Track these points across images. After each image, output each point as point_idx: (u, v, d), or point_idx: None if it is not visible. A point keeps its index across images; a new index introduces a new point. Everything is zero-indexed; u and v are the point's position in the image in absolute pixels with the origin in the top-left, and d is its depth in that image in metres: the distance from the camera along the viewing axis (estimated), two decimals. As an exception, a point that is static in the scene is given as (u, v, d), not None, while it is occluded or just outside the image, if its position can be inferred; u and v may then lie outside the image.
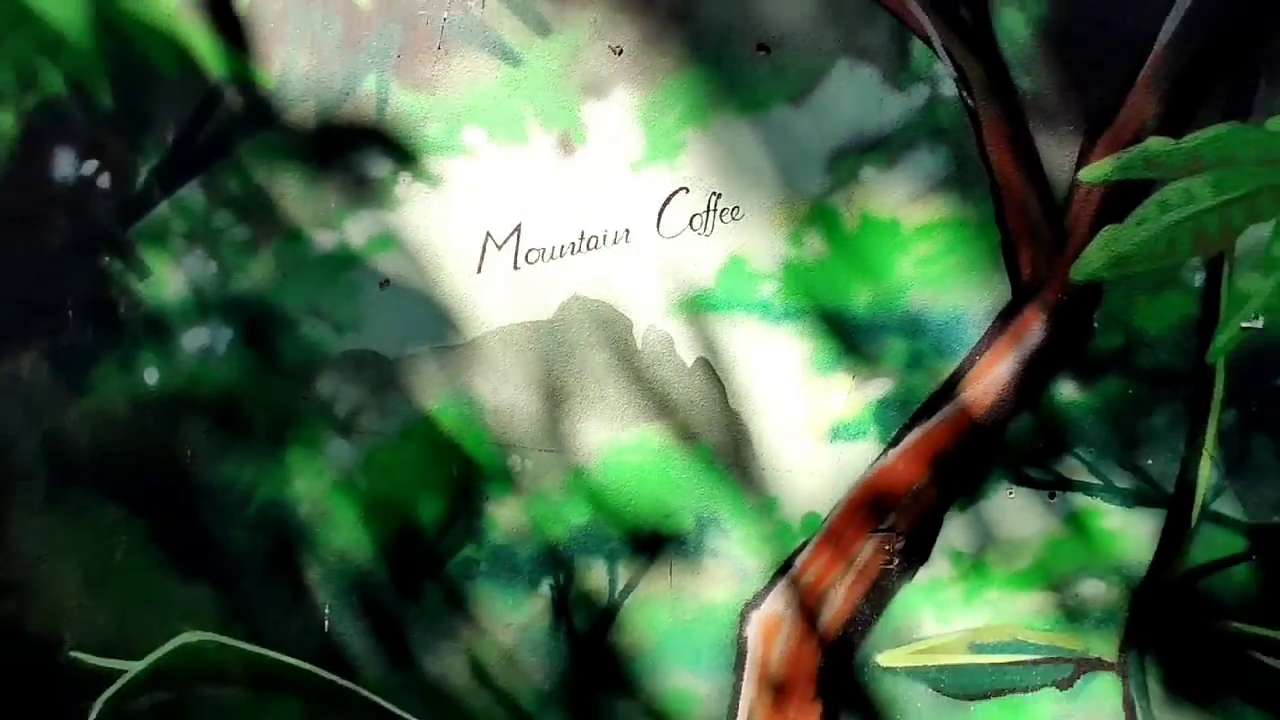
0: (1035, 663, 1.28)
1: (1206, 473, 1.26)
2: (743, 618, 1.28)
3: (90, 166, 1.27)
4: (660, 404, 1.27)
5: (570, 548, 1.27)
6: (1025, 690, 1.28)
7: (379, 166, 1.26)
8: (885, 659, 1.28)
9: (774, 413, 1.26)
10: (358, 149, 1.26)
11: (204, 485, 1.28)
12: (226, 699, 1.31)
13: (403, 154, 1.26)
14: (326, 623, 1.29)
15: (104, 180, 1.27)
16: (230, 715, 1.30)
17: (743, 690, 1.28)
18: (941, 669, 1.28)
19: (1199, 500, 1.26)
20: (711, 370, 1.27)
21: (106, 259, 1.27)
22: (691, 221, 1.26)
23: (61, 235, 1.28)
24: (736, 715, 1.28)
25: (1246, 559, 1.26)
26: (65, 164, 1.27)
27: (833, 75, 1.23)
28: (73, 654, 1.30)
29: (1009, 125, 1.24)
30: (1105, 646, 1.27)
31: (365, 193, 1.26)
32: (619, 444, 1.26)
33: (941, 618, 1.27)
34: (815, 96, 1.23)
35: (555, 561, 1.27)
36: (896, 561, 1.27)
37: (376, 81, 1.25)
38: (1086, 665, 1.28)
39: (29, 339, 1.28)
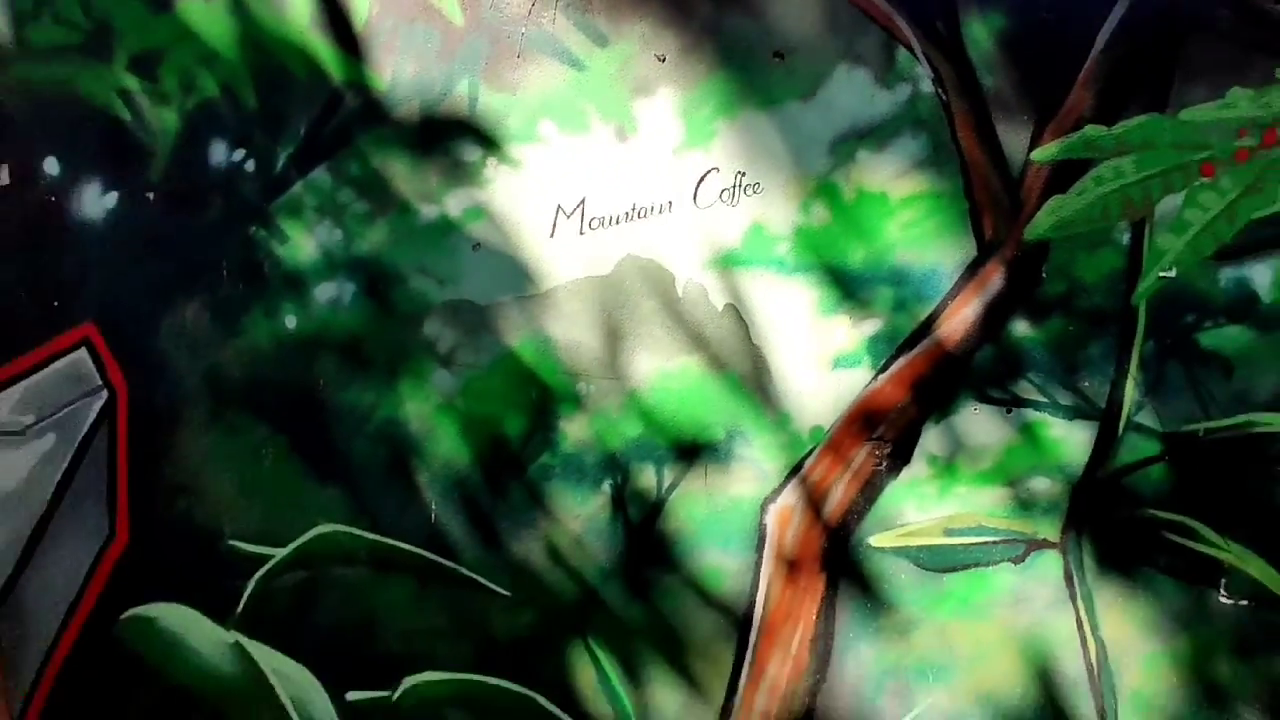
0: (994, 543, 1.61)
1: (1130, 392, 1.58)
2: (763, 509, 1.61)
3: (239, 154, 1.58)
4: (697, 341, 1.58)
5: (626, 455, 1.60)
6: (986, 565, 1.61)
7: (471, 153, 1.57)
8: (875, 541, 1.61)
9: (787, 347, 1.58)
10: (453, 139, 1.57)
11: (334, 408, 1.61)
12: (353, 577, 1.64)
13: (489, 142, 1.57)
14: (433, 515, 1.62)
15: (250, 165, 1.58)
16: (356, 591, 1.64)
17: (763, 566, 1.61)
18: (920, 548, 1.61)
19: (1124, 414, 1.58)
20: (737, 314, 1.59)
21: (253, 228, 1.58)
22: (721, 195, 1.57)
23: (216, 210, 1.59)
24: (758, 585, 1.61)
25: (1160, 460, 1.58)
26: (219, 153, 1.58)
27: (834, 77, 1.54)
28: (231, 542, 1.64)
29: (975, 116, 1.55)
30: (1050, 530, 1.60)
31: (460, 174, 1.57)
32: (665, 372, 1.58)
33: (920, 508, 1.60)
34: (820, 94, 1.54)
35: (614, 466, 1.60)
36: (884, 464, 1.60)
37: (468, 84, 1.55)
38: (1035, 545, 1.61)
39: (192, 293, 1.60)
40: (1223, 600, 1.62)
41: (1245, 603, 1.61)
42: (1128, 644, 1.62)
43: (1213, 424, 1.58)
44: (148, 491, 1.63)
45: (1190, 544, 1.61)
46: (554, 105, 1.55)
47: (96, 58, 1.56)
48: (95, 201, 1.58)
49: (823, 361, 1.58)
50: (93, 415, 1.62)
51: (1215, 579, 1.62)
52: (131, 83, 1.56)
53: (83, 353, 1.61)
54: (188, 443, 1.62)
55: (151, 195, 1.58)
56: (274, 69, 1.56)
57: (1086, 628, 1.62)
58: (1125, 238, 1.56)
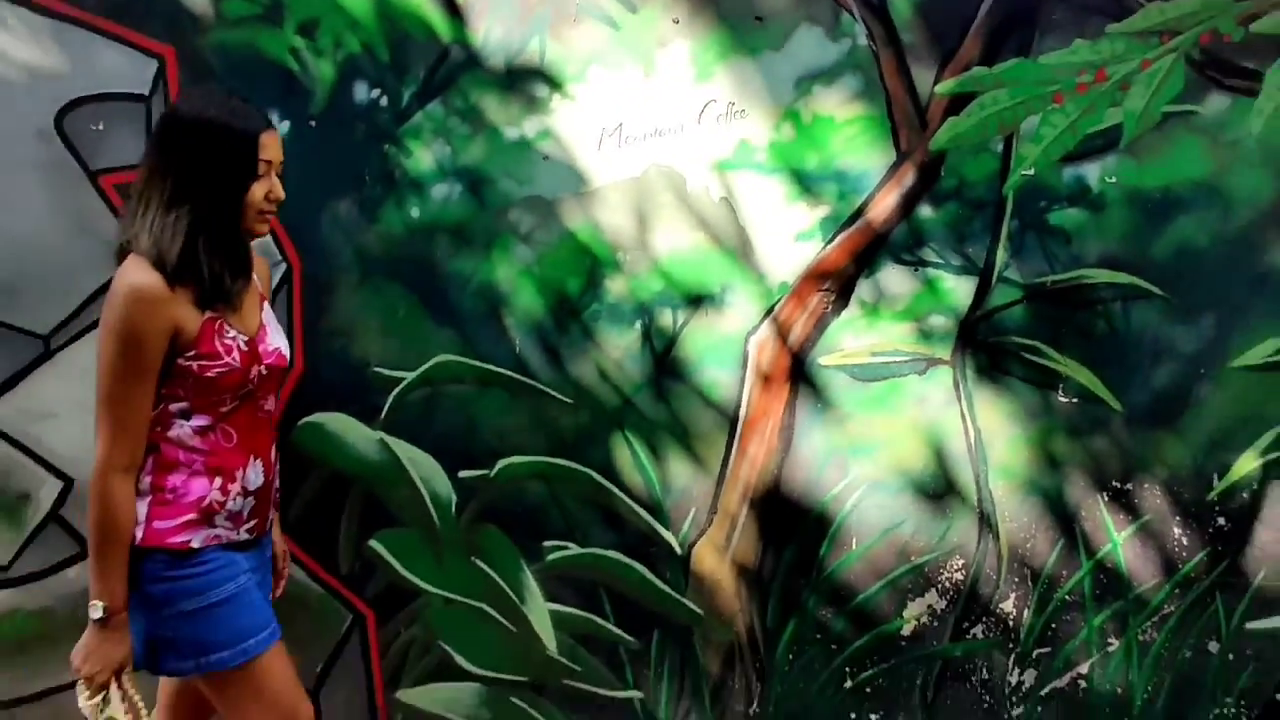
0: (905, 361, 2.31)
1: (1000, 256, 2.26)
2: (747, 340, 2.30)
3: (375, 93, 2.20)
4: (701, 223, 2.25)
5: (651, 304, 2.28)
6: (899, 376, 2.31)
7: (540, 90, 2.20)
8: (823, 360, 2.31)
9: (764, 226, 2.25)
10: (528, 80, 2.19)
11: (446, 273, 2.27)
12: (462, 392, 2.33)
13: (553, 83, 2.19)
14: (517, 347, 2.30)
15: (383, 101, 2.20)
16: (464, 401, 2.33)
17: (746, 379, 2.31)
18: (854, 365, 2.31)
19: (996, 271, 2.26)
20: (730, 204, 2.25)
21: (386, 146, 2.22)
22: (718, 119, 2.21)
23: (360, 134, 2.22)
24: (743, 393, 2.32)
25: (1020, 303, 2.27)
26: (360, 92, 2.20)
27: (797, 34, 2.16)
28: (375, 369, 2.32)
29: (896, 62, 2.18)
30: (944, 351, 2.30)
31: (533, 106, 2.20)
32: (678, 246, 2.26)
33: (855, 337, 2.30)
34: (787, 46, 2.17)
35: (643, 311, 2.28)
36: (830, 307, 2.29)
37: (538, 41, 2.17)
38: (933, 362, 2.31)
39: (345, 194, 2.24)
40: (1061, 399, 2.34)
41: (1076, 400, 2.34)
42: (995, 430, 2.35)
43: (1056, 277, 2.27)
44: (316, 334, 2.31)
45: (1040, 360, 2.31)
46: (599, 55, 2.18)
47: (272, 24, 2.17)
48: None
49: (788, 236, 2.25)
50: (276, 281, 2.28)
51: (1056, 384, 2.34)
52: (298, 42, 2.17)
53: (269, 238, 2.26)
54: (343, 299, 2.29)
55: (314, 123, 2.20)
56: (400, 31, 2.17)
57: (967, 419, 2.34)
58: (999, 146, 2.22)
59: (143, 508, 1.71)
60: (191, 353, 1.67)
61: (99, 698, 1.70)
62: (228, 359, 1.71)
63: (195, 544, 1.73)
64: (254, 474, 1.81)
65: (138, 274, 1.62)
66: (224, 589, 1.75)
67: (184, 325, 1.65)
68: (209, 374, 1.69)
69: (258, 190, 1.69)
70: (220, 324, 1.70)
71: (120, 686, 1.72)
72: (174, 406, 1.70)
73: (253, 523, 1.82)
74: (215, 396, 1.72)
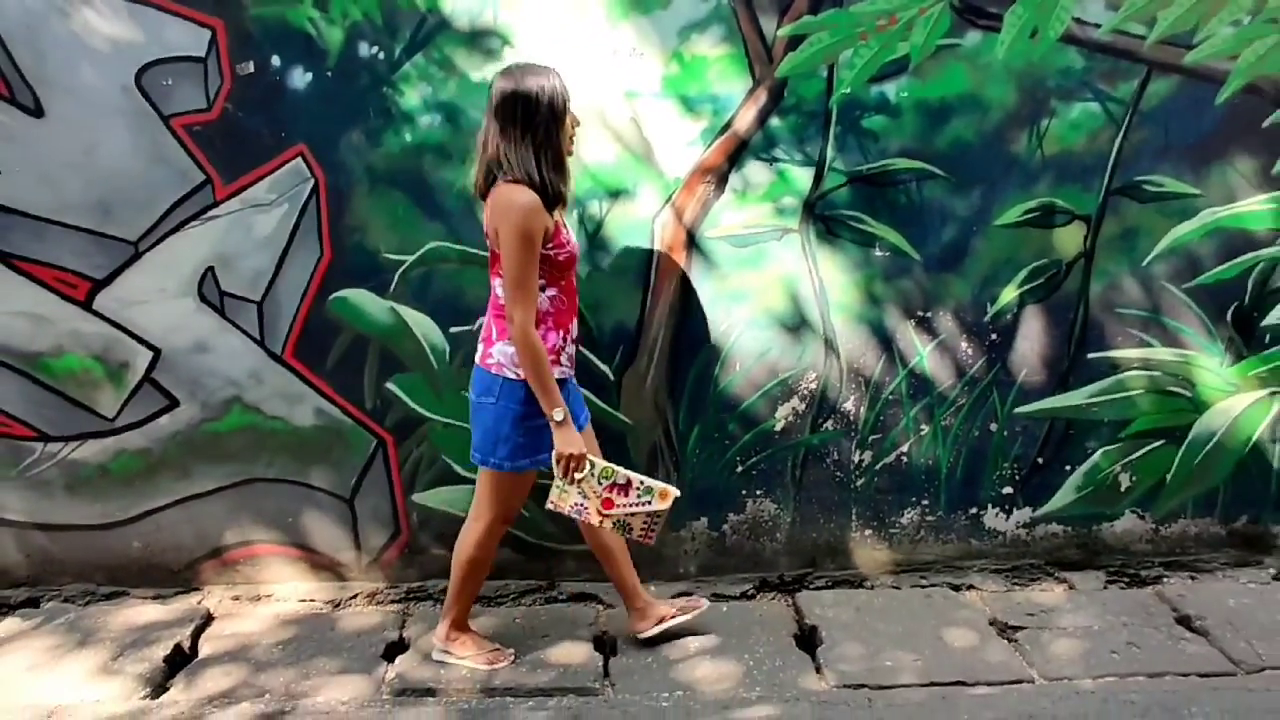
0: (767, 231, 3.21)
1: (829, 151, 3.15)
2: (654, 221, 3.17)
3: (375, 49, 2.96)
4: (616, 137, 3.09)
5: (584, 197, 3.11)
6: (763, 243, 3.20)
7: (496, 44, 3.00)
8: (709, 234, 3.19)
9: (663, 138, 3.10)
10: (487, 37, 3.00)
11: (434, 180, 3.08)
12: (450, 269, 3.15)
13: (505, 38, 3.00)
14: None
15: (380, 55, 2.97)
16: (453, 276, 3.15)
17: (655, 250, 3.19)
18: (731, 236, 3.19)
19: (827, 163, 3.14)
20: (636, 123, 3.09)
21: (385, 88, 3.01)
22: (629, 57, 3.03)
23: (364, 80, 2.98)
24: (653, 259, 3.19)
25: (845, 185, 3.17)
26: (364, 50, 2.96)
27: (678, -4, 3.00)
28: (385, 254, 3.14)
29: (750, 14, 3.03)
30: (794, 223, 3.20)
31: (491, 56, 3.00)
32: (601, 155, 3.10)
33: (731, 215, 3.17)
34: (672, 5, 2.98)
35: (578, 203, 3.13)
36: (714, 193, 3.17)
37: (493, 7, 2.97)
38: (787, 230, 3.21)
39: (355, 123, 3.03)
40: (877, 254, 3.27)
41: (888, 254, 3.26)
42: (833, 278, 3.26)
43: (869, 166, 3.18)
44: (339, 230, 3.11)
45: (861, 226, 3.23)
46: (538, 16, 3.00)
47: (296, 2, 2.92)
48: (299, 79, 2.98)
49: (681, 144, 3.10)
50: (306, 192, 3.08)
51: (873, 243, 3.25)
52: (315, 14, 2.94)
53: (299, 160, 3.04)
54: (356, 205, 3.10)
55: (329, 74, 2.99)
56: (390, 3, 2.96)
57: (813, 272, 3.25)
58: (825, 73, 3.10)
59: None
60: (551, 244, 2.55)
61: (586, 469, 2.67)
62: (568, 246, 2.65)
63: (556, 376, 2.65)
64: (574, 327, 2.75)
65: (526, 194, 2.48)
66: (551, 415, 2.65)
67: (548, 225, 2.52)
68: (560, 257, 2.61)
69: (568, 126, 2.56)
70: (558, 223, 2.59)
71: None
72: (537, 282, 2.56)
73: (572, 364, 2.75)
74: (559, 273, 2.62)
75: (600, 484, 2.74)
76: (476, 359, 2.77)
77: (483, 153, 2.58)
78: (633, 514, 2.78)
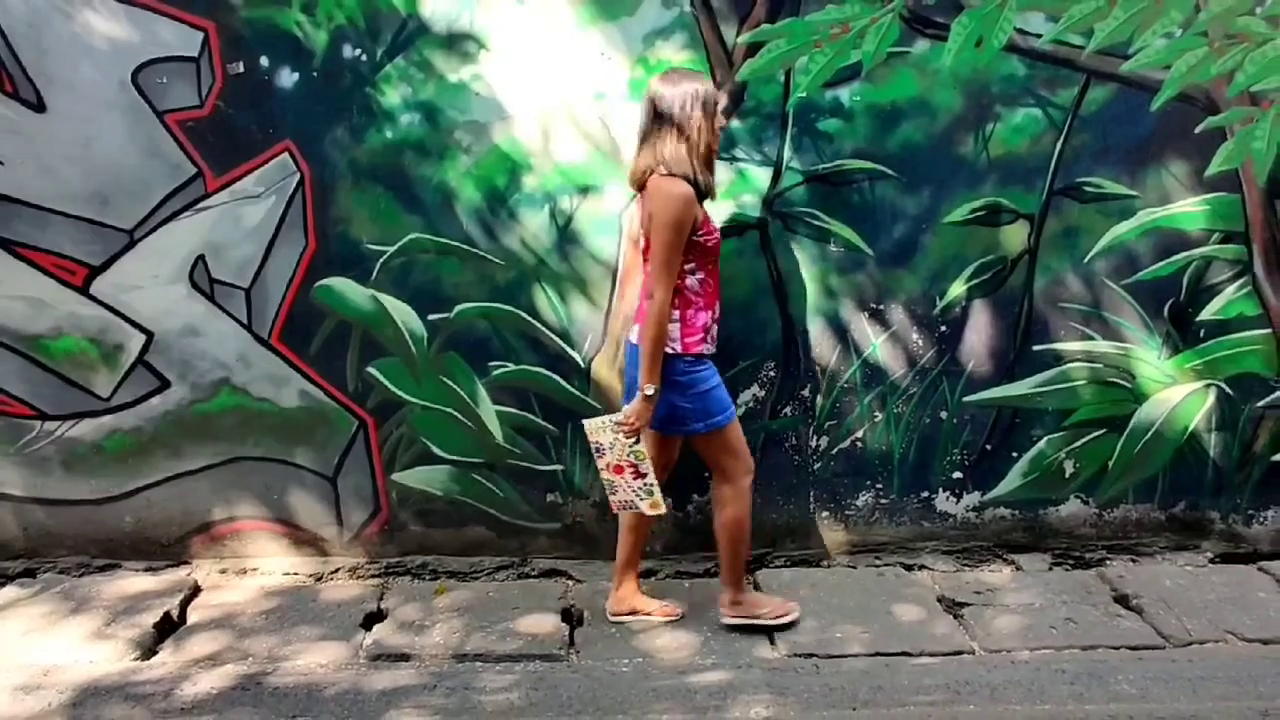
0: (731, 226, 3.37)
1: (786, 152, 3.32)
2: (621, 215, 3.32)
3: (358, 52, 3.15)
4: (586, 136, 3.27)
5: (555, 192, 3.30)
6: (726, 238, 3.39)
7: (471, 47, 3.19)
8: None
9: (629, 136, 3.28)
10: (463, 40, 3.19)
11: (414, 175, 3.27)
12: (428, 259, 3.32)
13: (480, 42, 3.19)
14: (464, 226, 3.33)
15: (364, 56, 3.16)
16: (430, 265, 3.33)
17: (621, 243, 3.35)
18: None
19: (784, 163, 3.34)
20: (604, 123, 3.26)
21: (367, 88, 3.20)
22: (599, 57, 3.23)
23: (348, 80, 3.16)
24: (620, 252, 3.36)
25: (802, 184, 3.36)
26: (347, 51, 3.14)
27: (643, 5, 3.16)
28: (367, 245, 3.32)
29: (710, 21, 3.21)
30: (754, 219, 3.39)
31: (467, 58, 3.19)
32: (571, 153, 3.28)
33: (693, 211, 3.38)
34: (638, 13, 3.16)
35: (550, 197, 3.31)
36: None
37: (469, 12, 3.16)
38: (749, 226, 3.37)
39: (338, 121, 3.21)
40: (832, 249, 3.45)
41: (842, 249, 3.45)
42: (790, 271, 3.45)
43: (824, 166, 3.36)
44: (324, 223, 3.30)
45: (817, 223, 3.41)
46: (511, 22, 3.18)
47: (284, 5, 3.11)
48: (287, 78, 3.17)
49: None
50: (293, 185, 3.26)
51: (828, 239, 3.44)
52: (301, 18, 3.13)
53: (286, 155, 3.23)
54: (340, 198, 3.27)
55: (315, 74, 3.18)
56: (373, 7, 3.14)
57: (771, 264, 3.42)
58: (782, 78, 3.29)
59: (675, 329, 2.88)
60: (701, 231, 2.79)
61: (635, 438, 2.91)
62: (714, 234, 2.89)
63: (704, 351, 2.94)
64: (718, 308, 2.99)
65: (681, 186, 2.73)
66: (715, 379, 3.00)
67: (697, 215, 2.76)
68: (708, 243, 2.86)
69: (715, 124, 2.82)
70: (704, 212, 2.82)
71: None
72: (687, 266, 2.83)
73: (714, 342, 3.00)
74: (706, 258, 2.87)
75: (627, 456, 2.96)
76: (633, 339, 2.97)
77: (640, 149, 2.84)
78: (624, 490, 3.05)
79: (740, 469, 3.10)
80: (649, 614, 3.28)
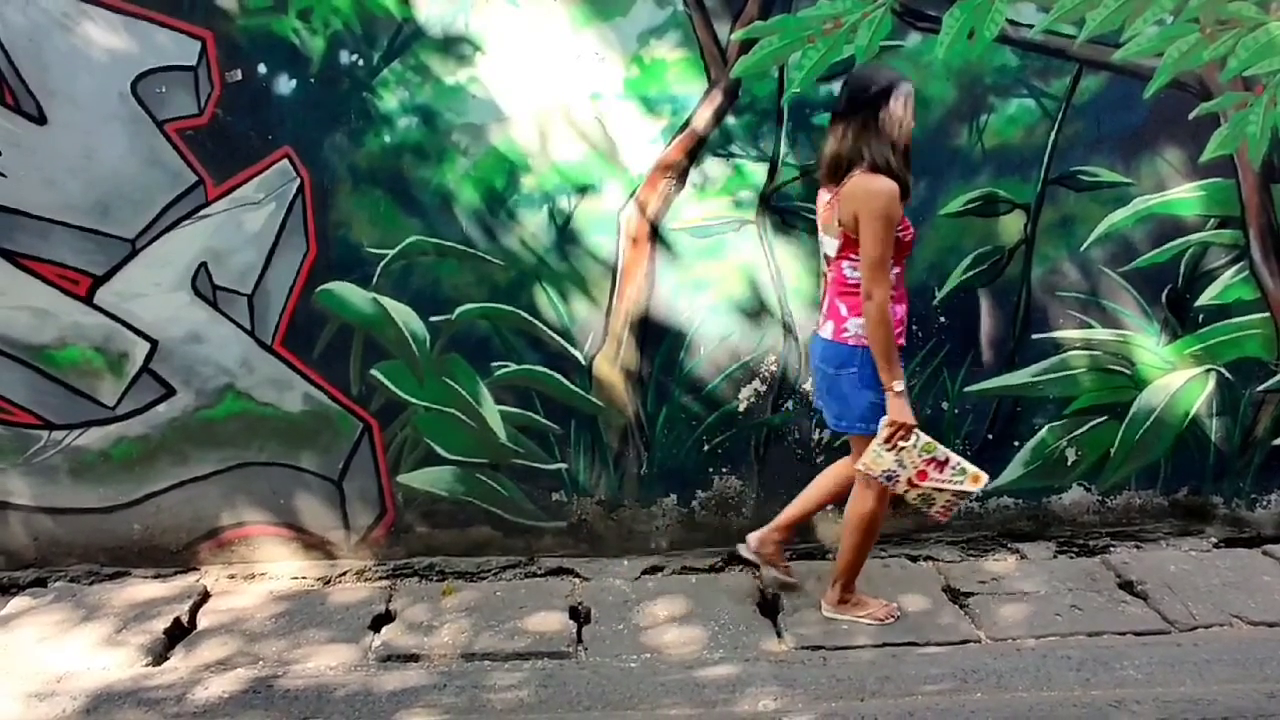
0: (725, 223, 3.39)
1: (782, 147, 3.35)
2: (619, 214, 3.36)
3: (355, 57, 3.18)
4: (582, 136, 3.28)
5: (553, 192, 3.32)
6: (723, 234, 3.39)
7: (467, 50, 3.21)
8: (672, 226, 3.39)
9: (625, 135, 3.29)
10: (459, 44, 3.21)
11: (413, 178, 3.29)
12: (428, 261, 3.35)
13: (476, 45, 3.21)
14: (463, 227, 3.35)
15: (360, 61, 3.18)
16: (430, 267, 3.35)
17: (621, 241, 3.38)
18: (692, 228, 3.38)
19: (780, 159, 3.37)
20: (601, 122, 3.28)
21: (364, 93, 3.22)
22: (592, 58, 3.24)
23: (345, 85, 3.18)
24: (618, 250, 3.39)
25: (798, 179, 3.38)
26: (345, 57, 3.16)
27: (636, 4, 3.19)
28: (368, 249, 3.34)
29: (704, 19, 3.24)
30: (751, 214, 3.39)
31: (463, 61, 3.21)
32: (568, 152, 3.30)
33: (692, 208, 3.38)
34: (631, 13, 3.19)
35: (547, 197, 3.33)
36: (675, 187, 3.37)
37: (464, 16, 3.18)
38: (745, 222, 3.40)
39: (338, 126, 3.24)
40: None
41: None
42: (789, 265, 3.46)
43: (813, 163, 3.37)
44: (324, 228, 3.32)
45: (815, 216, 3.43)
46: (505, 24, 3.21)
47: (280, 12, 3.14)
48: (285, 85, 3.19)
49: (643, 142, 3.30)
50: (293, 191, 3.28)
51: (826, 232, 3.46)
52: (298, 25, 3.15)
53: (286, 161, 3.25)
54: (342, 201, 3.30)
55: (313, 80, 3.20)
56: (368, 13, 3.16)
57: (769, 260, 3.44)
58: (776, 73, 3.31)
59: None
60: (900, 226, 2.78)
61: (912, 439, 2.85)
62: (911, 229, 2.89)
63: (901, 345, 2.88)
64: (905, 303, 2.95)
65: (886, 182, 2.72)
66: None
67: (900, 210, 2.75)
68: (905, 238, 2.86)
69: (912, 120, 2.80)
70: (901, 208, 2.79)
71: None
72: None
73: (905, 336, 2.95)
74: (901, 253, 2.87)
75: (921, 456, 2.89)
76: (826, 335, 2.95)
77: (835, 145, 2.81)
78: (940, 489, 2.95)
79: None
80: (788, 579, 3.37)
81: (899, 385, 2.82)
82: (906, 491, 2.95)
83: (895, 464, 2.88)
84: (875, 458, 2.89)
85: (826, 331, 2.96)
